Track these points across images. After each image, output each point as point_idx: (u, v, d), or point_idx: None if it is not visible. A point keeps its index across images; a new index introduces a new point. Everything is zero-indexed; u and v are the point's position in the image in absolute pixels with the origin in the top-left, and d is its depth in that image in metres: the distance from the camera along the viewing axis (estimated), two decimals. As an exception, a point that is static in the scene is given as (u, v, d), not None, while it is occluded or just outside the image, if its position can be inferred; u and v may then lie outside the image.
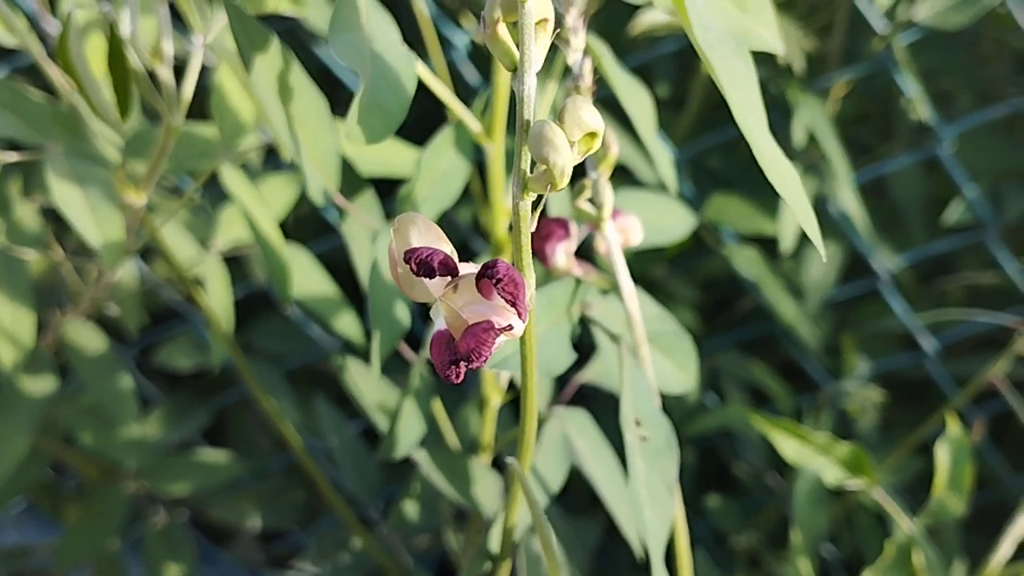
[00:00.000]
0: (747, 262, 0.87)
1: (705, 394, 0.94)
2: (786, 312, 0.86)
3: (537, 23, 0.31)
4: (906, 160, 0.87)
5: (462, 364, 0.31)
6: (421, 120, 0.85)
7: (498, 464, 0.65)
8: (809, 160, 0.86)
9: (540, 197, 0.32)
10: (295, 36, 0.91)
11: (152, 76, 0.53)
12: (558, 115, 0.31)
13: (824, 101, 0.87)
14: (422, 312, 0.85)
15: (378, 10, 0.46)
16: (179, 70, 0.56)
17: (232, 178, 0.63)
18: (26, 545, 0.93)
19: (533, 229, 0.33)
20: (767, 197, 0.86)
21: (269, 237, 0.63)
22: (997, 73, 0.91)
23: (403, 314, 0.54)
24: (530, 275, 0.34)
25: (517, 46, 0.31)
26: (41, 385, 0.74)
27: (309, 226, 0.94)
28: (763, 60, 0.81)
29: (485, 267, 0.30)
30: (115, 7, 0.50)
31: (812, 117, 0.82)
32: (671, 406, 0.81)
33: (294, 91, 0.50)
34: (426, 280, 0.31)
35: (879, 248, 0.89)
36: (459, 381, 0.31)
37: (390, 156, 0.68)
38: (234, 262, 0.77)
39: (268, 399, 0.72)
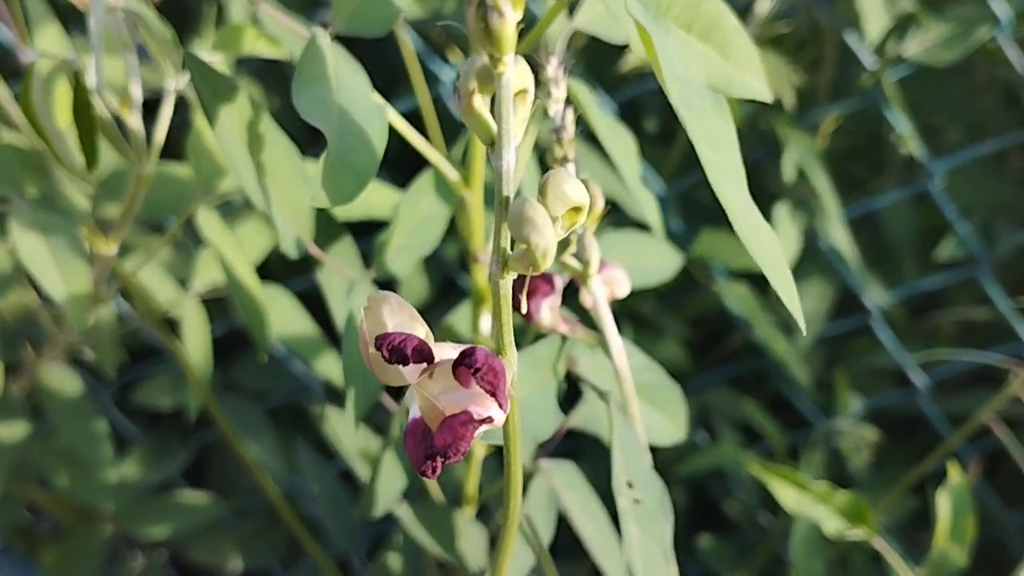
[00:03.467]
0: (738, 298, 0.85)
1: (696, 432, 0.92)
2: (777, 348, 0.85)
3: (516, 94, 0.29)
4: (897, 195, 0.86)
5: (439, 460, 0.29)
6: (407, 155, 0.84)
7: (483, 517, 0.63)
8: (799, 196, 0.85)
9: (522, 276, 0.30)
10: (278, 68, 0.90)
11: (120, 122, 0.51)
12: (540, 189, 0.30)
13: (814, 136, 0.86)
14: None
15: (346, 60, 0.44)
16: (157, 103, 0.54)
17: (208, 223, 0.61)
18: (0, 589, 0.91)
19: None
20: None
21: (245, 283, 0.61)
22: (987, 107, 0.90)
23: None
24: (512, 355, 0.32)
25: (495, 118, 0.29)
26: (12, 430, 0.72)
27: (295, 261, 0.92)
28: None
29: (463, 355, 0.29)
30: (80, 54, 0.48)
31: (802, 152, 0.81)
32: (662, 447, 0.79)
33: (264, 140, 0.48)
34: (400, 366, 0.29)
35: (870, 283, 0.87)
36: (435, 476, 0.29)
37: (369, 198, 0.66)
38: (216, 299, 0.75)
39: (244, 445, 0.69)
